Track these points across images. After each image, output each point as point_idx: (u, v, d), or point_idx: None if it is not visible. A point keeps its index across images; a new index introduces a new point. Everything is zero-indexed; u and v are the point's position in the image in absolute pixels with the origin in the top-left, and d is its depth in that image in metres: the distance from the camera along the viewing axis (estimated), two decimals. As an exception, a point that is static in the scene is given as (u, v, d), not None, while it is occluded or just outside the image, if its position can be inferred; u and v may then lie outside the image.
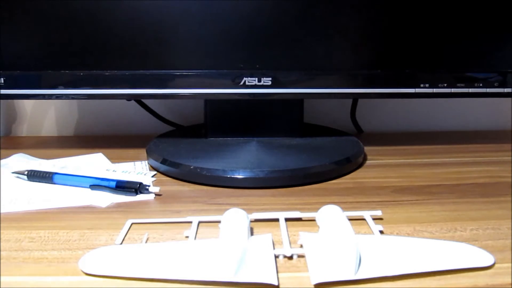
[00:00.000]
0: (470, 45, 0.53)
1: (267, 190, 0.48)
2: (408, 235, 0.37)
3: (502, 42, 0.54)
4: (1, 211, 0.42)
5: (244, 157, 0.52)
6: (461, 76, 0.54)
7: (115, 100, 0.70)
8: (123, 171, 0.52)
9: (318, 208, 0.39)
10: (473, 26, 0.52)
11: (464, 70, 0.54)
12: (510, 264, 0.33)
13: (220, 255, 0.32)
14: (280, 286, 0.30)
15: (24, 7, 0.50)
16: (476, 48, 0.53)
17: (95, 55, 0.52)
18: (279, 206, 0.43)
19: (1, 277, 0.32)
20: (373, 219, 0.39)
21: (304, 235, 0.36)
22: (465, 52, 0.54)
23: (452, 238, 0.37)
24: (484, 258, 0.33)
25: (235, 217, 0.36)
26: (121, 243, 0.36)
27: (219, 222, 0.38)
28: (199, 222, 0.39)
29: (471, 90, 0.54)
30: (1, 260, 0.34)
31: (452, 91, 0.54)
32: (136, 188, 0.46)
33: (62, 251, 0.35)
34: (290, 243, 0.35)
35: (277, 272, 0.32)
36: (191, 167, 0.50)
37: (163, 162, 0.52)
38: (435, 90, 0.53)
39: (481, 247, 0.35)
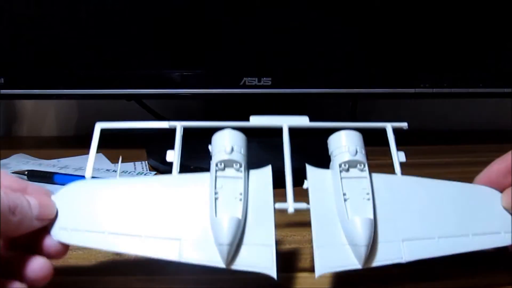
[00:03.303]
0: (470, 45, 0.53)
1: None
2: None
3: (502, 42, 0.54)
4: (1, 211, 0.42)
5: (244, 157, 0.52)
6: (461, 76, 0.54)
7: (115, 100, 0.70)
8: (123, 171, 0.52)
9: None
10: (473, 26, 0.52)
11: (464, 70, 0.54)
12: None
13: (213, 245, 0.27)
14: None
15: (24, 7, 0.50)
16: (476, 48, 0.53)
17: (95, 55, 0.52)
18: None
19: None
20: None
21: (311, 174, 0.31)
22: (465, 52, 0.54)
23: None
24: None
25: (228, 141, 0.31)
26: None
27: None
28: (183, 126, 0.35)
29: (471, 90, 0.54)
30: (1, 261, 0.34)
31: (452, 91, 0.54)
32: (136, 188, 0.46)
33: (62, 251, 0.35)
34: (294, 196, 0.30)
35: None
36: (191, 167, 0.49)
37: (163, 162, 0.52)
38: (435, 90, 0.53)
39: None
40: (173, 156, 0.33)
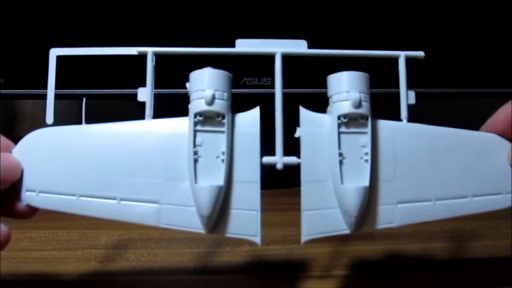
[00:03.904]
0: (471, 45, 0.53)
1: (266, 190, 0.47)
2: (408, 234, 0.37)
3: (503, 42, 0.54)
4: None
5: (244, 157, 0.52)
6: (461, 76, 0.53)
7: (115, 100, 0.70)
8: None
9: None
10: (473, 25, 0.52)
11: (465, 70, 0.54)
12: None
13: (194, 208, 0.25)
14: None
15: (23, 6, 0.50)
16: (477, 48, 0.53)
17: (95, 55, 0.52)
18: (279, 206, 0.43)
19: (1, 277, 0.32)
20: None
21: (305, 119, 0.29)
22: (465, 52, 0.53)
23: (452, 239, 0.37)
24: None
25: (208, 86, 0.27)
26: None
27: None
28: (154, 53, 0.30)
29: (471, 90, 0.54)
30: (1, 260, 0.34)
31: (452, 91, 0.54)
32: (136, 188, 0.46)
33: (62, 251, 0.35)
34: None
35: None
36: (191, 167, 0.49)
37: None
38: (435, 90, 0.53)
39: (480, 247, 0.35)
40: (145, 95, 0.28)
